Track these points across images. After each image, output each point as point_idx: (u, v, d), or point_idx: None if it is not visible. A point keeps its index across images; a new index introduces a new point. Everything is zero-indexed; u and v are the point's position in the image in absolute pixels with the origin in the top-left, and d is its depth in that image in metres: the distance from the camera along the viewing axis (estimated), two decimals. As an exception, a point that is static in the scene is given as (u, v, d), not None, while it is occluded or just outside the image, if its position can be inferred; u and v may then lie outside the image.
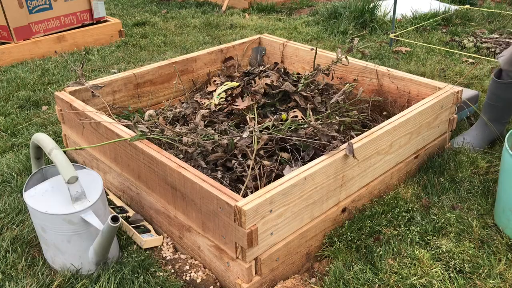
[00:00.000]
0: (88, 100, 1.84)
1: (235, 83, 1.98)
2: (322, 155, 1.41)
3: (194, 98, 2.04)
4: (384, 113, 1.94)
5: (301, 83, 1.88)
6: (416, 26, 3.47)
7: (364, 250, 1.42)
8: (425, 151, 1.79)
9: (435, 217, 1.55)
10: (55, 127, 2.18)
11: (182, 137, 1.58)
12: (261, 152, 1.57)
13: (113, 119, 1.68)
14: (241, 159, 1.55)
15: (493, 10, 3.76)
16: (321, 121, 1.64)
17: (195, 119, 1.79)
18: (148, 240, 1.47)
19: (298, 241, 1.35)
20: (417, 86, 1.85)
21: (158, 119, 1.80)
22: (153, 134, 1.57)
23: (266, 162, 1.52)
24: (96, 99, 1.87)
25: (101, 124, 1.58)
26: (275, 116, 1.74)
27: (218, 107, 1.87)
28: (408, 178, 1.75)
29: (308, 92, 1.84)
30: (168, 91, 2.13)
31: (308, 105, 1.79)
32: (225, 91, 1.95)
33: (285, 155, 1.58)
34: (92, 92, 1.85)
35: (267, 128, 1.64)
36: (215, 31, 3.65)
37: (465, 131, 2.03)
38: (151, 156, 1.40)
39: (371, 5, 3.58)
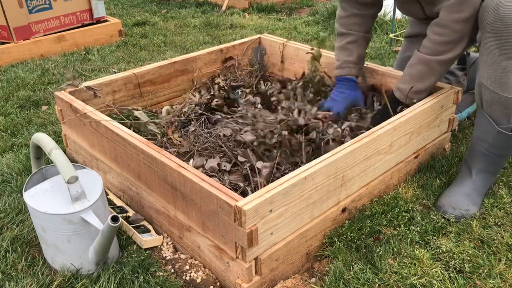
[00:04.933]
0: (88, 100, 1.84)
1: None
2: None
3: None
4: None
5: None
6: (416, 26, 3.46)
7: (364, 250, 1.42)
8: (425, 151, 1.79)
9: (435, 217, 1.55)
10: (55, 127, 2.18)
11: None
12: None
13: (124, 117, 1.69)
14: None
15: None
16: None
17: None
18: (148, 240, 1.47)
19: (298, 241, 1.35)
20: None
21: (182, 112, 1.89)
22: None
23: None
24: (97, 99, 1.87)
25: (101, 124, 1.58)
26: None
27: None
28: (408, 178, 1.75)
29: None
30: (168, 90, 2.13)
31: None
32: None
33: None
34: (95, 92, 1.85)
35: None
36: (215, 31, 3.65)
37: (447, 190, 1.67)
38: (151, 156, 1.40)
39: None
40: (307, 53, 2.10)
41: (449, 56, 1.61)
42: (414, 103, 1.69)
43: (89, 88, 1.83)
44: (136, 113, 1.81)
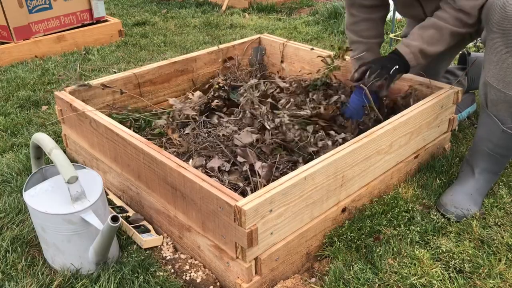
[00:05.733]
0: (88, 100, 1.84)
1: None
2: None
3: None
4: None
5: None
6: (416, 26, 3.46)
7: (364, 250, 1.42)
8: (425, 151, 1.79)
9: (435, 217, 1.55)
10: (55, 127, 2.18)
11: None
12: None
13: (137, 117, 1.70)
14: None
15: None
16: None
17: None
18: (148, 240, 1.47)
19: (298, 241, 1.35)
20: (417, 85, 1.85)
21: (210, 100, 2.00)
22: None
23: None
24: (96, 98, 1.87)
25: (101, 124, 1.58)
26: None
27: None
28: (408, 178, 1.75)
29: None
30: (168, 90, 2.13)
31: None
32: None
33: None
34: (105, 85, 1.88)
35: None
36: (215, 31, 3.65)
37: (451, 188, 1.67)
38: (151, 156, 1.40)
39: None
40: (319, 57, 2.12)
41: (461, 31, 1.62)
42: (415, 70, 1.73)
43: (103, 85, 1.85)
44: (171, 100, 1.96)
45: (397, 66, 1.68)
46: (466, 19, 1.59)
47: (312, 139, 1.67)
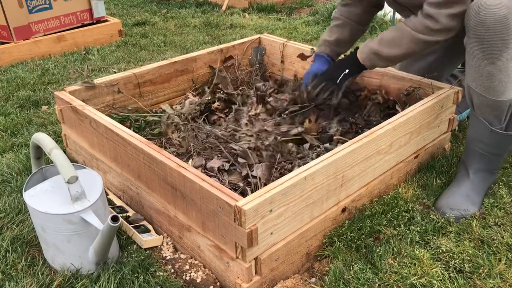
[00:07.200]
0: (88, 100, 1.84)
1: None
2: None
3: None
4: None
5: None
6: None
7: (364, 250, 1.42)
8: (425, 151, 1.79)
9: (435, 217, 1.55)
10: (55, 127, 2.18)
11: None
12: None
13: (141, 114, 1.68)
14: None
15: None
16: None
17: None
18: (148, 239, 1.47)
19: (298, 241, 1.35)
20: (417, 85, 1.85)
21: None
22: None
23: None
24: (96, 99, 1.87)
25: (101, 123, 1.58)
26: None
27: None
28: (408, 178, 1.75)
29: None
30: (168, 90, 2.13)
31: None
32: None
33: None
34: (108, 85, 1.88)
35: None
36: (215, 31, 3.65)
37: (447, 191, 1.67)
38: (151, 156, 1.40)
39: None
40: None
41: (425, 38, 1.55)
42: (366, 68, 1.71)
43: (107, 85, 1.86)
44: (163, 106, 1.94)
45: (346, 71, 1.71)
46: (432, 25, 1.52)
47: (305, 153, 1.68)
